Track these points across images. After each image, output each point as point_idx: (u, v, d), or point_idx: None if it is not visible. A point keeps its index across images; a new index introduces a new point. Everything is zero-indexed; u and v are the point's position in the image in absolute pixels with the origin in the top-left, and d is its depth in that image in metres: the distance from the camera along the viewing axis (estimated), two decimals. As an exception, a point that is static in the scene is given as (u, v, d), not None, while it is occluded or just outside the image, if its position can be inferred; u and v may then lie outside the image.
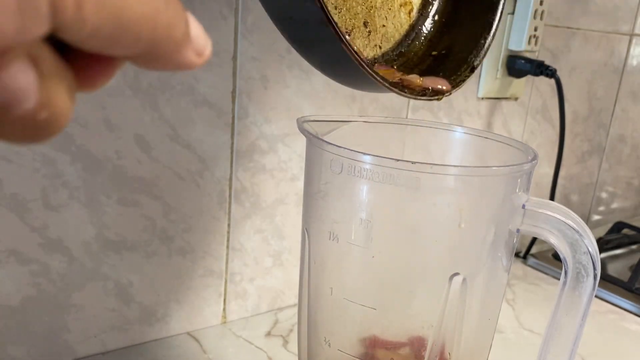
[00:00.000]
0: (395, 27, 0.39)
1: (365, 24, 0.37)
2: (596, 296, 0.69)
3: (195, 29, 0.16)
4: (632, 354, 0.59)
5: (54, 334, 0.46)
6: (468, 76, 0.38)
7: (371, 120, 0.40)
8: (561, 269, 0.32)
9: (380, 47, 0.39)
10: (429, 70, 0.40)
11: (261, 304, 0.57)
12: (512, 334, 0.60)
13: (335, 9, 0.35)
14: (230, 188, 0.52)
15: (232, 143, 0.51)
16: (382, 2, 0.37)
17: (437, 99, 0.36)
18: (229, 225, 0.53)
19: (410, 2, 0.40)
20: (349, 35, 0.36)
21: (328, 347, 0.36)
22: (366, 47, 0.38)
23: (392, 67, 0.39)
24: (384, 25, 0.38)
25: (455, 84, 0.38)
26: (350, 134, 0.38)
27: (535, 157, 0.33)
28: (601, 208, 1.01)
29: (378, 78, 0.31)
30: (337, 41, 0.28)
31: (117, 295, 0.48)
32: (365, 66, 0.30)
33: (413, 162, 0.29)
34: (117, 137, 0.44)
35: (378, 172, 0.30)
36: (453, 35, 0.41)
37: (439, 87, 0.36)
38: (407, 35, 0.41)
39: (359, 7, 0.36)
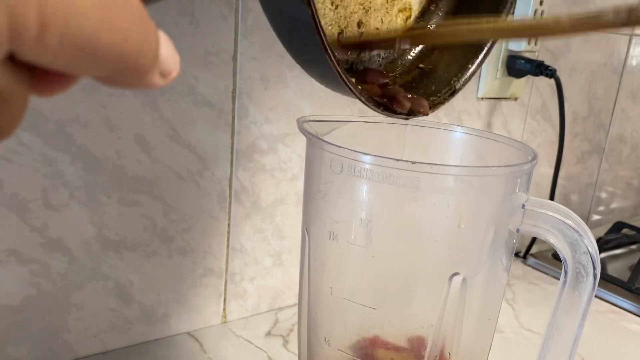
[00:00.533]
0: (389, 31, 0.39)
1: (359, 24, 0.36)
2: (596, 296, 0.69)
3: (166, 50, 0.15)
4: (632, 354, 0.59)
5: (54, 334, 0.46)
6: (447, 99, 0.37)
7: (371, 120, 0.40)
8: (561, 269, 0.32)
9: None
10: (413, 83, 0.39)
11: (261, 303, 0.57)
12: (512, 334, 0.60)
13: (332, 4, 0.34)
14: (230, 188, 0.52)
15: (232, 143, 0.51)
16: (382, 4, 0.37)
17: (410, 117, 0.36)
18: (229, 225, 0.53)
19: (410, 9, 0.39)
20: (341, 33, 0.35)
21: (328, 347, 0.36)
22: None
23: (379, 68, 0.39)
24: (377, 28, 0.38)
25: (434, 105, 0.37)
26: (350, 134, 0.38)
27: (535, 157, 0.33)
28: (601, 208, 1.01)
29: (360, 95, 0.31)
30: (321, 50, 0.27)
31: (117, 295, 0.48)
32: (348, 83, 0.29)
33: (413, 162, 0.29)
34: (117, 137, 0.45)
35: (378, 172, 0.30)
36: (443, 54, 0.40)
37: (419, 109, 0.36)
38: None
39: (356, 6, 0.36)
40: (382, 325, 0.35)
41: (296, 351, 0.44)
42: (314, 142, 0.33)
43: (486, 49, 0.39)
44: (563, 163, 0.83)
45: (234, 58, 0.49)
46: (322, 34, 0.27)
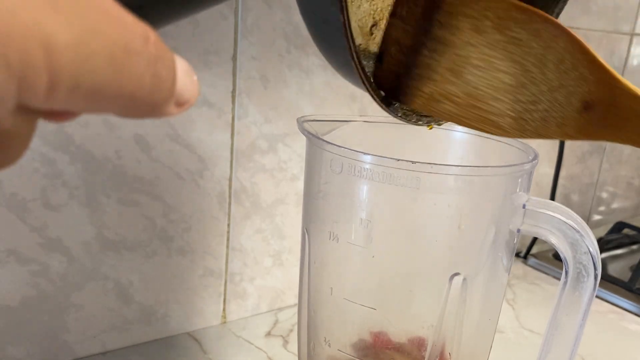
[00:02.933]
0: None
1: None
2: (596, 296, 0.69)
3: (184, 81, 0.14)
4: (632, 354, 0.59)
5: (53, 334, 0.46)
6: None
7: (371, 120, 0.40)
8: (561, 269, 0.32)
9: None
10: None
11: (261, 304, 0.57)
12: (512, 334, 0.60)
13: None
14: (230, 188, 0.52)
15: (232, 143, 0.51)
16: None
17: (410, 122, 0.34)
18: (228, 225, 0.53)
19: None
20: (374, 26, 0.32)
21: (328, 347, 0.36)
22: None
23: None
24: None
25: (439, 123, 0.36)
26: (350, 134, 0.38)
27: (535, 157, 0.33)
28: (601, 208, 1.01)
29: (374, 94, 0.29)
30: (348, 57, 0.26)
31: (117, 295, 0.48)
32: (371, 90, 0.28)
33: (413, 162, 0.29)
34: (117, 136, 0.44)
35: (378, 172, 0.30)
36: None
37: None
38: None
39: None
40: (382, 325, 0.35)
41: (296, 351, 0.44)
42: (314, 142, 0.33)
43: None
44: (564, 163, 0.83)
45: (234, 58, 0.49)
46: (351, 41, 0.25)
